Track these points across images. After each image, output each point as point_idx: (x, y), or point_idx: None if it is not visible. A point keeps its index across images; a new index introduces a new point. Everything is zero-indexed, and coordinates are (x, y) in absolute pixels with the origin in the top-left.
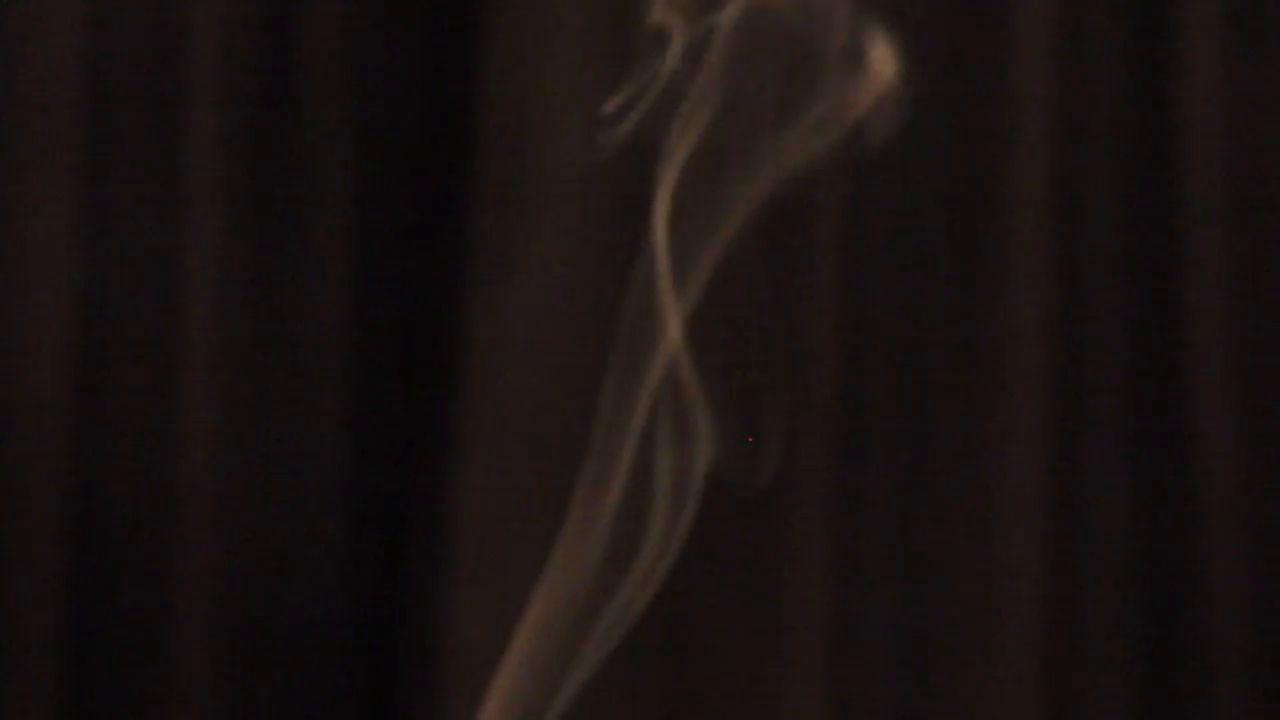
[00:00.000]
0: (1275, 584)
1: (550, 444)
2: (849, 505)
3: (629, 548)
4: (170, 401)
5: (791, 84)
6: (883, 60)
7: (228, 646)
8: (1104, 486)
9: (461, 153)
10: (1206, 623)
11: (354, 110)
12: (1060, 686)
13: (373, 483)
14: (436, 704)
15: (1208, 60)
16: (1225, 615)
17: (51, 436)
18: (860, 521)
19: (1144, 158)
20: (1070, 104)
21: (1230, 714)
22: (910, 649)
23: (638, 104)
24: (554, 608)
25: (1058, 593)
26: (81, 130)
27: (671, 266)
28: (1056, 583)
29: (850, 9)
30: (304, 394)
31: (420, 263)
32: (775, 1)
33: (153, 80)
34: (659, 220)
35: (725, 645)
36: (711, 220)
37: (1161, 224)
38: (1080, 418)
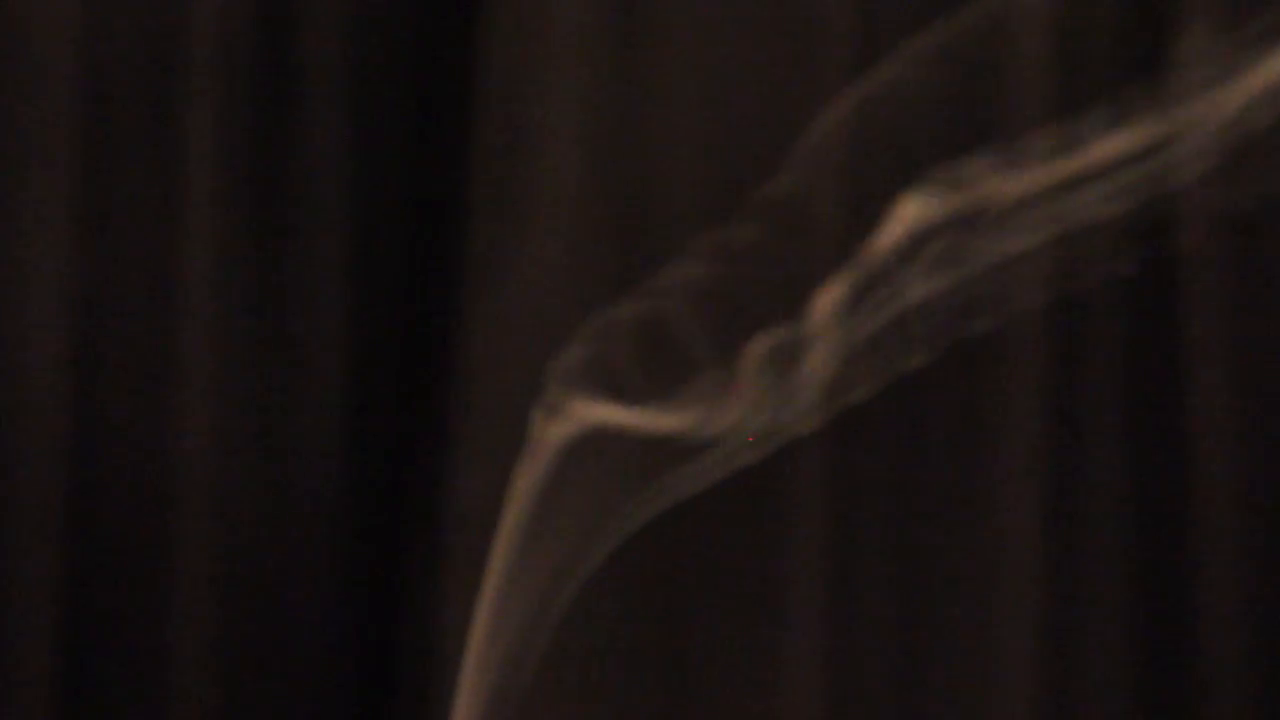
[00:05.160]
0: (1274, 588)
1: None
2: (847, 506)
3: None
4: (168, 401)
5: None
6: None
7: (225, 646)
8: (1102, 486)
9: (459, 154)
10: (1205, 626)
11: (352, 111)
12: (1059, 689)
13: (371, 483)
14: (435, 703)
15: None
16: (1223, 619)
17: (49, 435)
18: (858, 522)
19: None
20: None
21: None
22: (907, 653)
23: None
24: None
25: (1056, 594)
26: (79, 130)
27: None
28: (1054, 584)
29: None
30: (302, 394)
31: (417, 263)
32: None
33: (150, 81)
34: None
35: (723, 648)
36: None
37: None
38: (1078, 416)
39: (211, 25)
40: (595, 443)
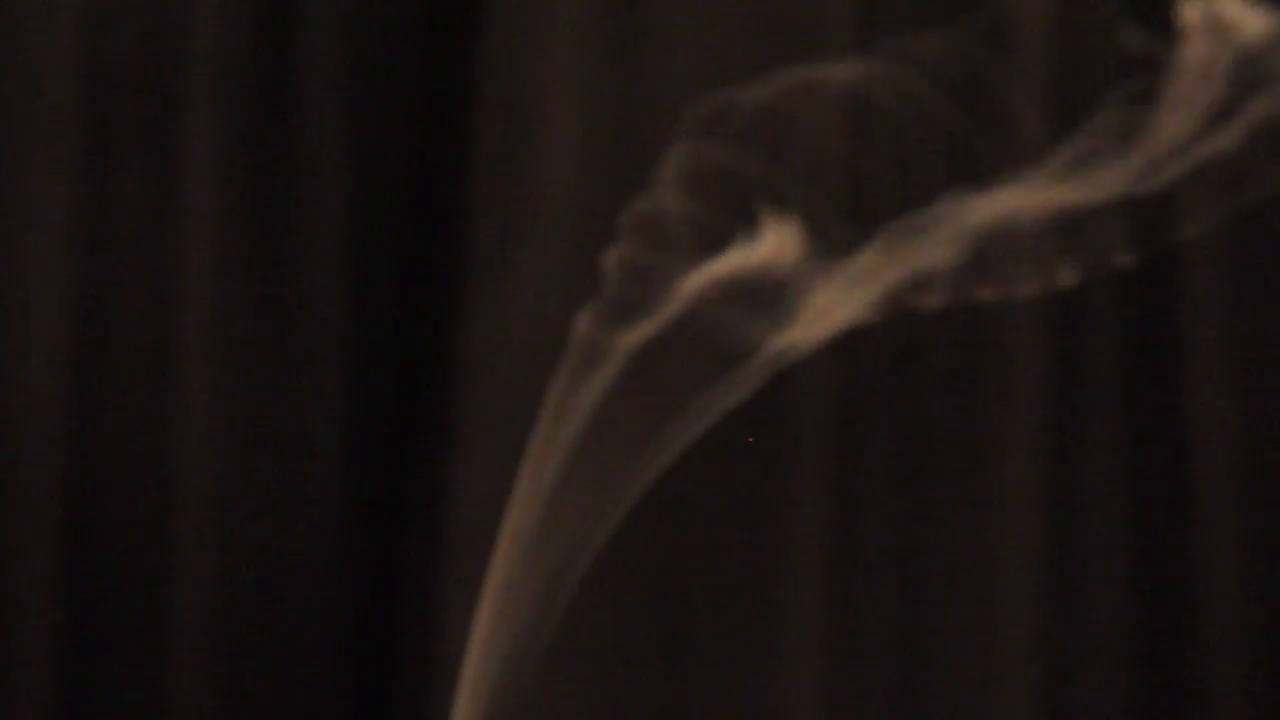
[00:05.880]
0: (1274, 588)
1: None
2: (846, 507)
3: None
4: (168, 399)
5: None
6: None
7: (225, 646)
8: (1101, 485)
9: (458, 154)
10: (1205, 625)
11: (352, 109)
12: (1058, 688)
13: (371, 483)
14: (434, 703)
15: None
16: (1223, 618)
17: (48, 434)
18: (857, 523)
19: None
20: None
21: None
22: (906, 651)
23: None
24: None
25: (1055, 599)
26: (80, 128)
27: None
28: (1054, 590)
29: None
30: (302, 393)
31: (418, 262)
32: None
33: (151, 79)
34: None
35: (723, 646)
36: None
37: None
38: (1077, 422)
39: (211, 25)
40: (658, 350)
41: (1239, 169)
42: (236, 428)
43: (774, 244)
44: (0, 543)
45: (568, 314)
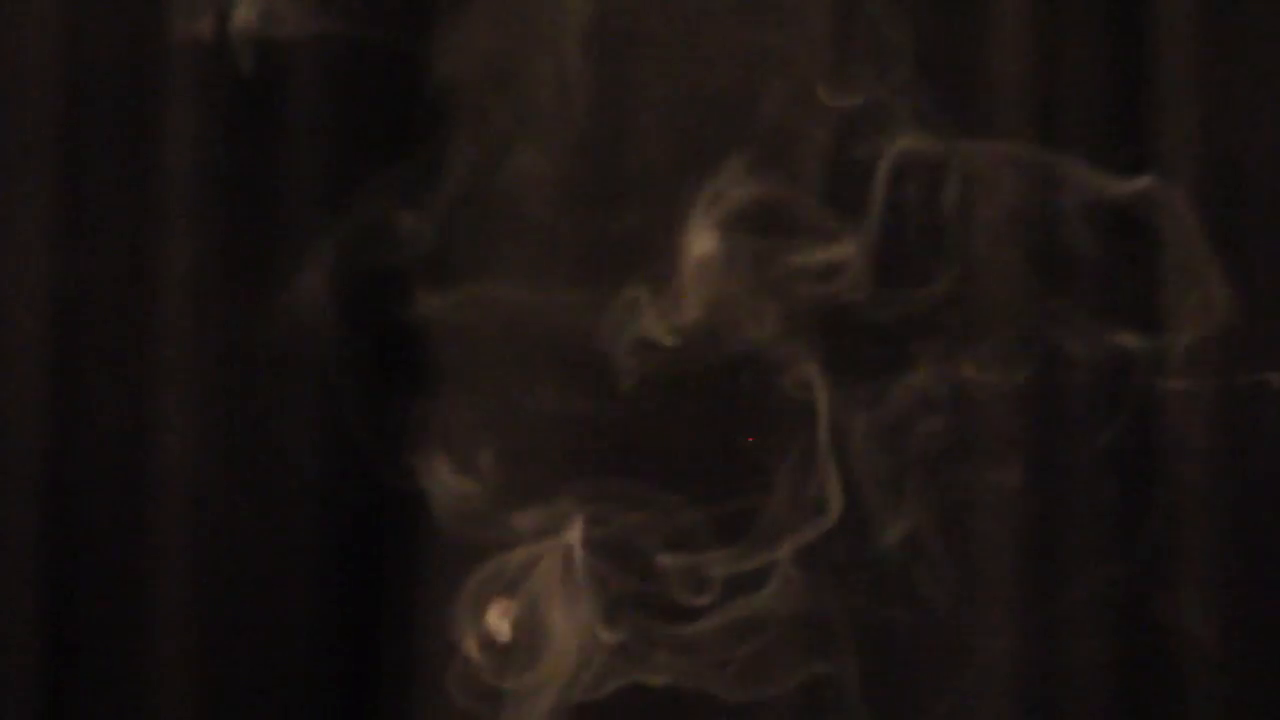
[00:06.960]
0: (1254, 590)
1: (527, 441)
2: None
3: None
4: (148, 400)
5: None
6: None
7: (209, 648)
8: (1083, 502)
9: (444, 152)
10: (1186, 634)
11: (333, 111)
12: (1039, 690)
13: (354, 484)
14: (419, 701)
15: None
16: (1205, 627)
17: (29, 435)
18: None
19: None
20: None
21: None
22: (888, 651)
23: None
24: None
25: (1035, 596)
26: (58, 130)
27: None
28: (1034, 587)
29: None
30: (283, 392)
31: (398, 260)
32: None
33: (130, 81)
34: None
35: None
36: None
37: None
38: (1060, 435)
39: (191, 25)
40: None
41: None
42: (216, 429)
43: None
44: None
45: (553, 310)
